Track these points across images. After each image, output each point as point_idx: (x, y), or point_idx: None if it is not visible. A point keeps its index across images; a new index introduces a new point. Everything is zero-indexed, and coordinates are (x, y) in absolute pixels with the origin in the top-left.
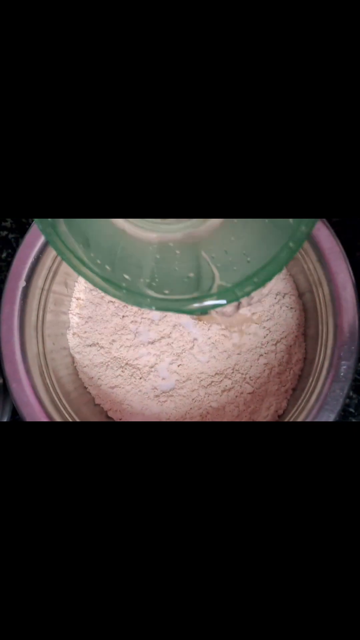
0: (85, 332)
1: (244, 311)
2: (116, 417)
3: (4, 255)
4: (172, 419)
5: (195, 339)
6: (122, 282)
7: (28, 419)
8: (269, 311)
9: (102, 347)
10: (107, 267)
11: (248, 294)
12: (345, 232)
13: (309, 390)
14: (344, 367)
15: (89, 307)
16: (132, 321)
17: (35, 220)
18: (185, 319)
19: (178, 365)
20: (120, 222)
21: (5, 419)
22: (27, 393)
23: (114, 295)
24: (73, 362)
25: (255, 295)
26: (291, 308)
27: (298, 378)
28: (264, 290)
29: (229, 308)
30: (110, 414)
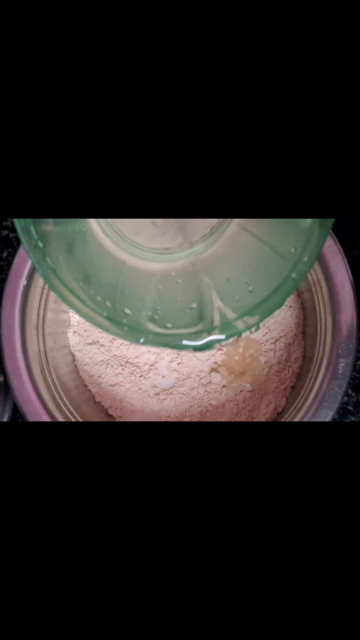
0: (86, 330)
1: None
2: (116, 414)
3: (4, 254)
4: (172, 417)
5: None
6: (123, 318)
7: (29, 416)
8: None
9: (102, 346)
10: (108, 303)
11: (249, 327)
12: (345, 231)
13: (308, 388)
14: (342, 364)
15: None
16: None
17: (35, 264)
18: None
19: (178, 364)
20: (121, 254)
21: (6, 417)
22: (28, 391)
23: (115, 334)
24: (73, 360)
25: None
26: (290, 306)
27: (297, 376)
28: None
29: (231, 340)
30: (110, 411)
